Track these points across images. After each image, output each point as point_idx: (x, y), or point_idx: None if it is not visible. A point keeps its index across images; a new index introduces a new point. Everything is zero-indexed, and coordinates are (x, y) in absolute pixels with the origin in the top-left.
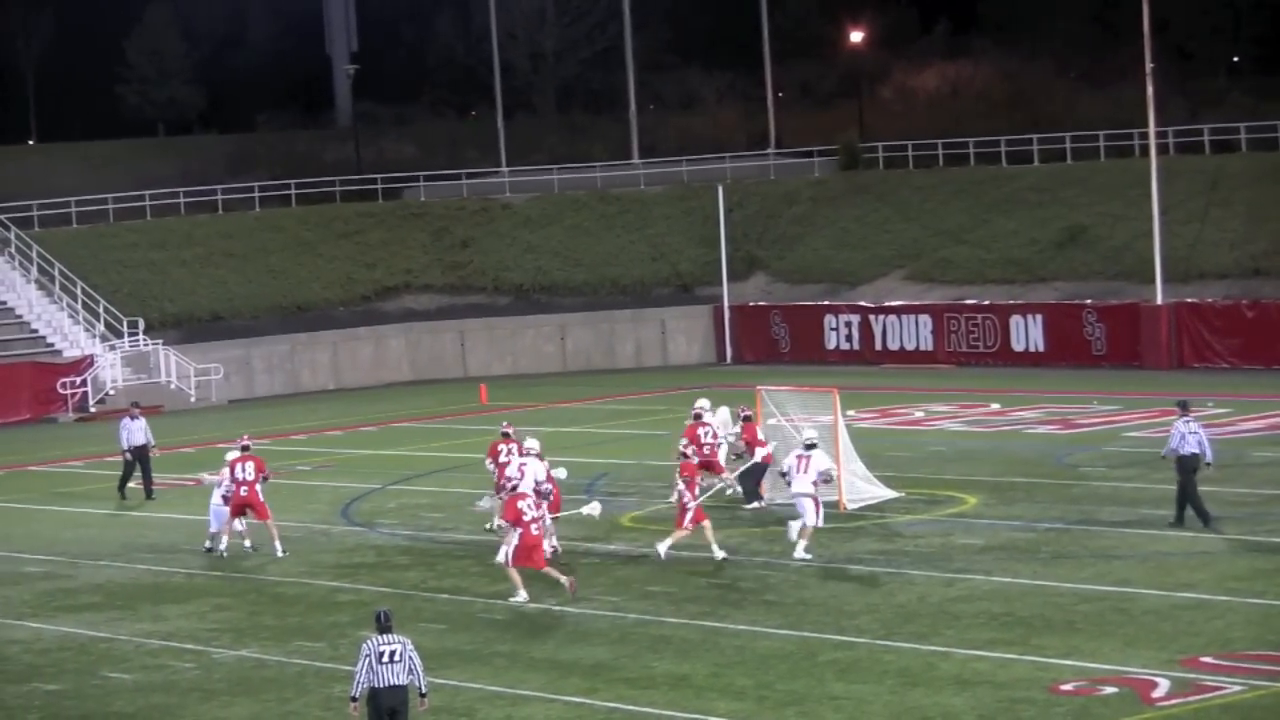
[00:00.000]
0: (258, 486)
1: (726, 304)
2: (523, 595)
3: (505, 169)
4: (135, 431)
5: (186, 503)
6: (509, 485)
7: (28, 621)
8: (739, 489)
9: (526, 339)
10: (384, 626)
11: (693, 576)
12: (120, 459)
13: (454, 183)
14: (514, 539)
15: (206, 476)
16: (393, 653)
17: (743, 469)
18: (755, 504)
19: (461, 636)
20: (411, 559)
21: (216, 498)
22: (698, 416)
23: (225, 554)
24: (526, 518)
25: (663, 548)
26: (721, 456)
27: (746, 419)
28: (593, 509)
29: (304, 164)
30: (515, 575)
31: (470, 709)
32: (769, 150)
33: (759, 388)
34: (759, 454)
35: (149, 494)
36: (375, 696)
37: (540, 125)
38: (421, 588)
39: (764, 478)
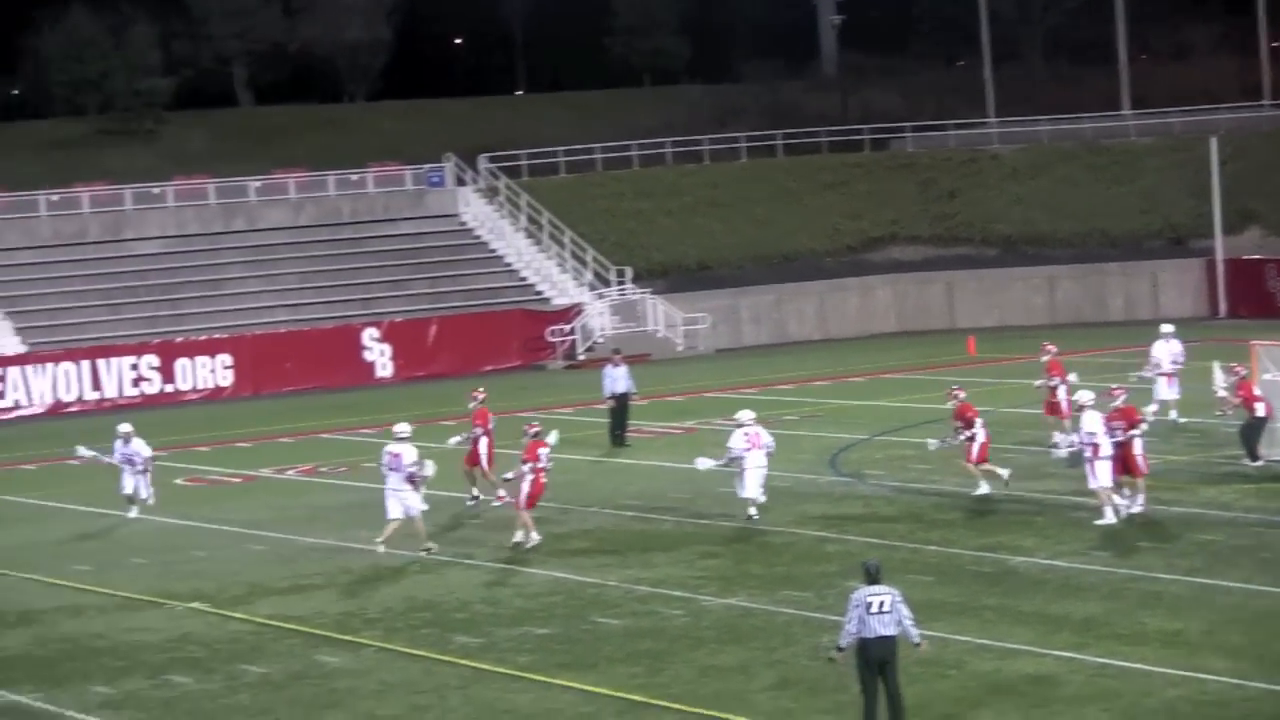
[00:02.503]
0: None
1: (1220, 257)
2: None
3: (993, 119)
4: (618, 379)
5: (673, 450)
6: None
7: (520, 566)
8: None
9: (1015, 291)
10: (873, 578)
11: (1186, 532)
12: (607, 406)
13: (941, 133)
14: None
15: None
16: (881, 603)
17: (1242, 425)
18: (1257, 462)
19: (949, 589)
20: (898, 510)
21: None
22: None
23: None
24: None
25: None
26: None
27: (1242, 377)
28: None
29: (789, 115)
30: None
31: (959, 660)
32: (1263, 101)
33: (1253, 343)
34: (1259, 409)
35: (621, 441)
36: (865, 647)
37: (1028, 75)
38: (909, 539)
39: (1262, 434)
